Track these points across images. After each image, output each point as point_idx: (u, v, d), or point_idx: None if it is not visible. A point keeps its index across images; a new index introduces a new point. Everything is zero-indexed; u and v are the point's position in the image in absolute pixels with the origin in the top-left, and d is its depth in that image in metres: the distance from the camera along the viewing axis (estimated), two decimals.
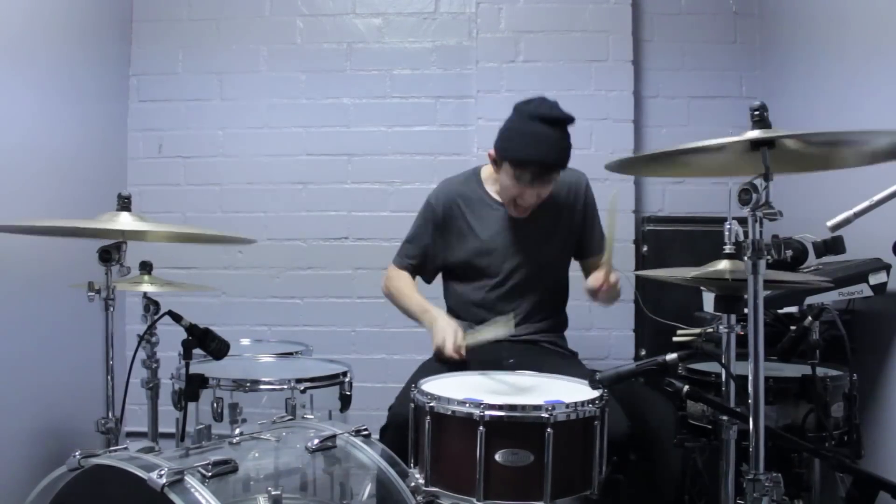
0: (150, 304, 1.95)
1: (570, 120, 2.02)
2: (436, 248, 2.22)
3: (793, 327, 1.86)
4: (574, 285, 2.26)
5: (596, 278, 1.97)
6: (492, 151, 2.07)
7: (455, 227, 2.18)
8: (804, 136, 1.23)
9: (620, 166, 1.50)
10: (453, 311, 2.17)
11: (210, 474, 1.28)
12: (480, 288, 2.17)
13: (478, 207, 2.18)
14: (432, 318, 2.05)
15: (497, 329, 1.90)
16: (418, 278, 2.27)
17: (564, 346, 2.24)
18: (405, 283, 2.22)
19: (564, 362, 2.02)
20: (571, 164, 2.08)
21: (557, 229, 2.17)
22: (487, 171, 2.19)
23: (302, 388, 1.89)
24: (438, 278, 2.30)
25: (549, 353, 2.13)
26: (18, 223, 1.78)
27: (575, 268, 2.29)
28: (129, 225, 1.78)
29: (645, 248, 2.96)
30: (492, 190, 2.18)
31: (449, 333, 1.94)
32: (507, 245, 2.15)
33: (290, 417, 1.75)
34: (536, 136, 1.97)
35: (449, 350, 1.91)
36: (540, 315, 2.18)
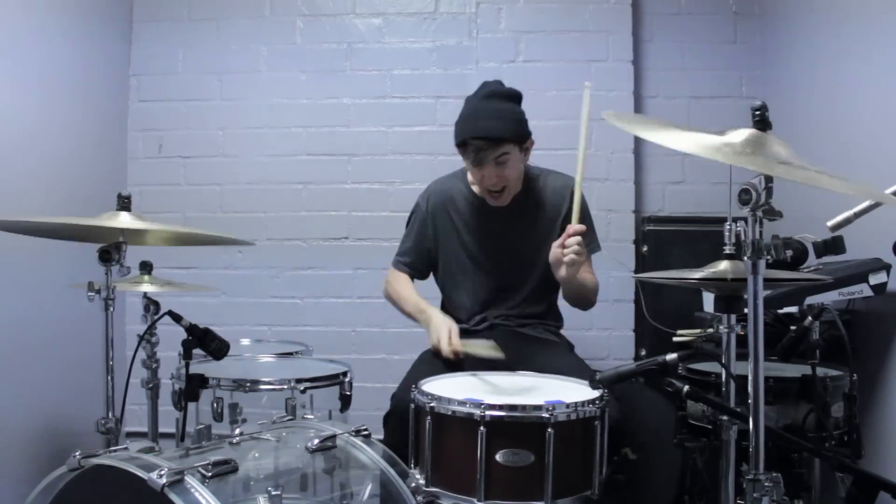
0: (150, 304, 1.95)
1: (507, 92, 2.05)
2: (427, 247, 2.23)
3: (793, 327, 1.86)
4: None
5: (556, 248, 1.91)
6: None
7: (442, 226, 2.20)
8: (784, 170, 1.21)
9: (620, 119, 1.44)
10: (448, 312, 2.18)
11: (210, 474, 1.27)
12: (469, 286, 2.19)
13: (462, 206, 2.19)
14: (428, 318, 2.06)
15: (488, 350, 1.86)
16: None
17: (560, 336, 2.23)
18: (403, 286, 2.23)
19: (560, 352, 2.02)
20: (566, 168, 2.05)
21: (538, 229, 2.14)
22: None
23: (302, 388, 1.89)
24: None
25: (545, 345, 2.13)
26: (18, 219, 1.77)
27: None
28: (129, 224, 1.78)
29: (645, 248, 2.96)
30: (475, 187, 2.18)
31: (443, 333, 1.94)
32: (489, 242, 2.16)
33: (290, 417, 1.75)
34: (470, 114, 2.03)
35: (445, 350, 1.92)
36: (532, 309, 2.18)
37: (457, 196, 2.20)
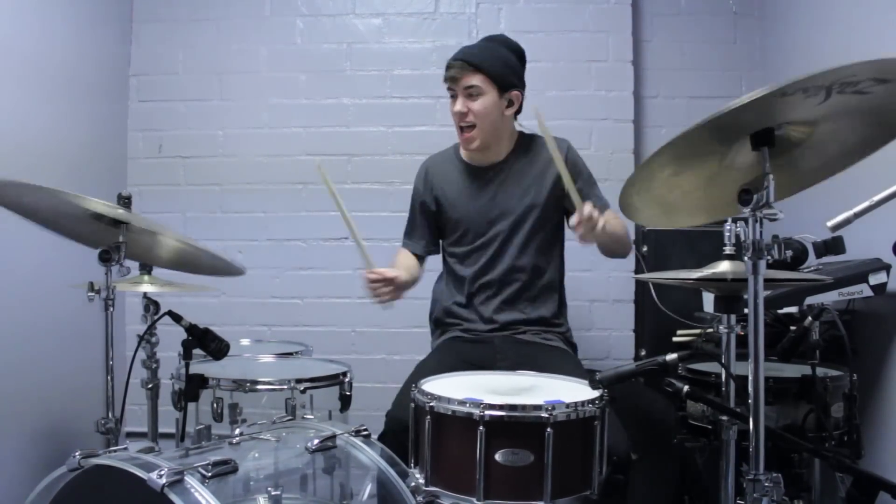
0: (150, 305, 1.95)
1: (504, 39, 2.10)
2: (428, 225, 2.28)
3: (793, 327, 1.86)
4: (571, 286, 2.25)
5: (573, 219, 1.81)
6: None
7: (436, 200, 2.23)
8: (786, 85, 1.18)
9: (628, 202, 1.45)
10: (452, 282, 2.22)
11: (210, 474, 1.27)
12: (462, 253, 2.19)
13: (449, 175, 2.22)
14: None
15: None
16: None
17: (562, 336, 2.17)
18: (398, 258, 2.29)
19: (559, 358, 2.00)
20: None
21: (527, 190, 2.12)
22: None
23: (302, 388, 1.89)
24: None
25: (545, 350, 2.09)
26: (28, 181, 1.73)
27: (570, 268, 2.27)
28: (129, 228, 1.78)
29: (645, 249, 2.95)
30: (465, 155, 2.20)
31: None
32: (477, 205, 2.15)
33: (290, 417, 1.75)
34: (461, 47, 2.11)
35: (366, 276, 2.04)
36: (530, 293, 2.14)
37: (446, 168, 2.23)
